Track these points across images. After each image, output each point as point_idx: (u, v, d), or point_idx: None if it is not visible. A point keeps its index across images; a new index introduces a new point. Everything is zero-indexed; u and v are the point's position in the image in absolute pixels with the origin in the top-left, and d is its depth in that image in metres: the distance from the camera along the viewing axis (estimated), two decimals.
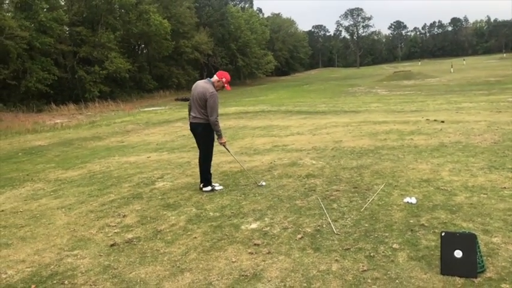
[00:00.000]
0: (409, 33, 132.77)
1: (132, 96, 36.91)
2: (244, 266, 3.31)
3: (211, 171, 5.63)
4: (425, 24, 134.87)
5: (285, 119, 14.30)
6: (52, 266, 3.56)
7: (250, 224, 4.19)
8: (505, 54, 79.80)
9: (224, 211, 4.65)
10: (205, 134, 5.39)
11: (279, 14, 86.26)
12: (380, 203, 4.52)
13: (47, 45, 29.66)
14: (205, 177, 5.52)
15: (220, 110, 5.88)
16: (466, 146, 7.20)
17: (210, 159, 5.56)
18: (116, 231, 4.29)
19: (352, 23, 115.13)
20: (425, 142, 7.79)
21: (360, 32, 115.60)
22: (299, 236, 3.79)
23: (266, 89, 41.88)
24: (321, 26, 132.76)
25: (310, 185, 5.44)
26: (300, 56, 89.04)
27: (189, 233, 4.10)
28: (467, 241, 2.93)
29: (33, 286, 3.23)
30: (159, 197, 5.41)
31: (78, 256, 3.73)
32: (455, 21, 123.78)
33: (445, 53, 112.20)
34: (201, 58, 47.70)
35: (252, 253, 3.52)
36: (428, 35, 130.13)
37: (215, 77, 5.39)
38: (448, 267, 2.93)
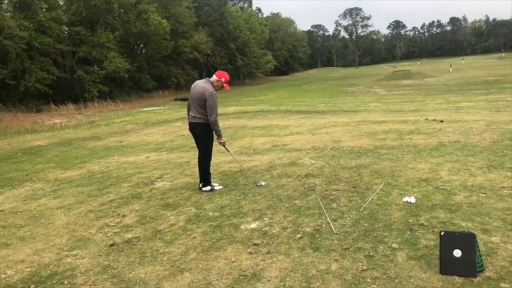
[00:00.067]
0: (408, 33, 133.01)
1: (131, 96, 36.89)
2: (244, 265, 3.31)
3: (211, 171, 5.63)
4: (424, 23, 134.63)
5: (284, 118, 14.30)
6: (51, 266, 3.55)
7: (250, 224, 4.19)
8: (503, 54, 79.84)
9: (223, 211, 4.65)
10: (204, 133, 5.38)
11: (278, 13, 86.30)
12: (379, 202, 4.52)
13: (46, 45, 29.62)
14: (205, 177, 5.52)
15: (220, 110, 5.88)
16: (465, 145, 7.21)
17: (210, 159, 5.56)
18: (115, 231, 4.29)
19: (351, 22, 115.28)
20: (425, 142, 7.80)
21: (358, 32, 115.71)
22: (298, 235, 3.79)
23: (265, 89, 41.88)
24: (320, 25, 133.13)
25: (309, 184, 5.45)
26: (299, 55, 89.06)
27: (188, 232, 4.10)
28: (467, 240, 2.94)
29: (32, 286, 3.23)
30: (159, 197, 5.41)
31: (78, 256, 3.73)
32: (454, 20, 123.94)
33: (444, 53, 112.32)
34: (200, 58, 47.68)
35: (252, 253, 3.52)
36: (427, 34, 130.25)
37: (214, 77, 5.39)
38: (448, 266, 2.94)
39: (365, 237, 3.65)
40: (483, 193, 4.57)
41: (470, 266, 2.88)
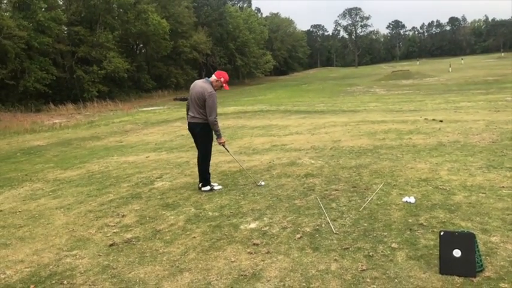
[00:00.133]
0: (407, 33, 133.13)
1: (130, 96, 36.85)
2: (244, 265, 3.31)
3: (210, 171, 5.63)
4: (423, 23, 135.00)
5: (284, 118, 14.30)
6: (51, 266, 3.55)
7: (249, 224, 4.19)
8: (503, 54, 79.92)
9: (223, 211, 4.65)
10: (203, 133, 5.38)
11: (277, 13, 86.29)
12: (379, 202, 4.52)
13: (45, 45, 29.58)
14: (204, 177, 5.51)
15: (219, 110, 5.88)
16: (465, 145, 7.21)
17: (209, 159, 5.56)
18: (114, 231, 4.29)
19: (350, 22, 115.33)
20: (424, 141, 7.80)
21: (358, 32, 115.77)
22: (298, 235, 3.79)
23: (265, 89, 41.88)
24: (320, 25, 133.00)
25: (309, 184, 5.45)
26: (298, 55, 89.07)
27: (188, 232, 4.10)
28: (466, 240, 2.94)
29: (32, 286, 3.23)
30: (158, 197, 5.40)
31: (77, 256, 3.72)
32: (453, 20, 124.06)
33: (443, 53, 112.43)
34: (199, 58, 47.66)
35: (251, 253, 3.52)
36: (426, 34, 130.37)
37: (213, 77, 5.39)
38: (447, 266, 2.94)
39: (364, 237, 3.65)
40: (482, 193, 4.57)
41: (469, 266, 2.88)
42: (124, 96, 35.51)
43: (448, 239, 2.98)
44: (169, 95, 39.08)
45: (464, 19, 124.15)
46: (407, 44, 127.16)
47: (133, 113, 23.23)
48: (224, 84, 5.41)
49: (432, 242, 3.43)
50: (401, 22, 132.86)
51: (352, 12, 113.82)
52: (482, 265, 2.95)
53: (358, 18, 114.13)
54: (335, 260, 3.28)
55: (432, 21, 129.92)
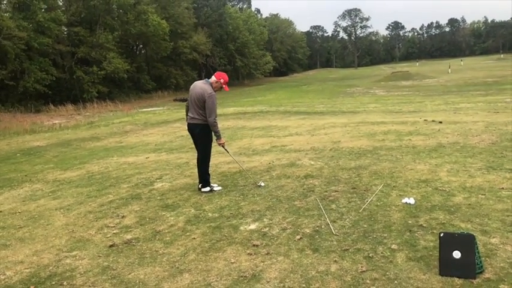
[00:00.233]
0: (406, 34, 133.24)
1: (130, 96, 36.85)
2: (243, 266, 3.31)
3: (210, 172, 5.63)
4: (422, 24, 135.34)
5: (284, 119, 14.31)
6: (51, 267, 3.55)
7: (249, 225, 4.19)
8: (502, 55, 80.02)
9: (223, 212, 4.65)
10: (203, 134, 5.38)
11: (277, 14, 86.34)
12: (378, 203, 4.53)
13: (45, 45, 29.59)
14: (204, 178, 5.51)
15: (219, 111, 5.88)
16: (464, 146, 7.22)
17: (209, 160, 5.56)
18: (114, 232, 4.29)
19: (350, 23, 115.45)
20: (424, 143, 7.81)
21: (357, 33, 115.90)
22: (298, 236, 3.80)
23: (264, 90, 41.89)
24: (319, 26, 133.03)
25: (308, 185, 5.45)
26: (298, 56, 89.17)
27: (187, 233, 4.10)
28: (466, 242, 2.94)
29: (31, 287, 3.22)
30: (158, 198, 5.40)
31: (77, 257, 3.72)
32: (452, 21, 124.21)
33: (443, 54, 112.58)
34: (199, 59, 47.68)
35: (251, 254, 3.52)
36: (426, 35, 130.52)
37: (213, 78, 5.39)
38: (447, 268, 2.94)
39: (364, 239, 3.65)
40: (482, 194, 4.57)
41: (469, 268, 2.88)
42: (124, 97, 35.52)
43: (448, 241, 2.98)
44: (169, 95, 39.10)
45: (463, 20, 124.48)
46: (406, 45, 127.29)
47: (133, 113, 23.23)
48: (224, 86, 5.41)
49: (432, 243, 3.43)
50: (400, 23, 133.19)
51: (351, 14, 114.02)
52: (482, 266, 2.95)
53: (357, 20, 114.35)
54: (335, 261, 3.28)
55: (432, 23, 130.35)
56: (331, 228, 3.93)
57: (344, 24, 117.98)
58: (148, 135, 12.65)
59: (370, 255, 3.33)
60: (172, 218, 4.57)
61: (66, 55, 34.52)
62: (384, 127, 10.25)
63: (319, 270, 3.16)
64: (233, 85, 40.69)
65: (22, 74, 28.81)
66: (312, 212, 4.41)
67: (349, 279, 3.00)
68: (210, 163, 5.61)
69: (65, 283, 3.25)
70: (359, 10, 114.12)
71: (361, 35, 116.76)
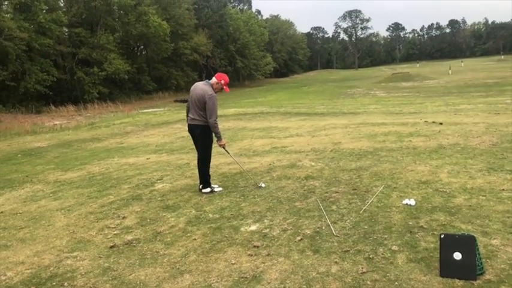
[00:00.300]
0: (407, 35, 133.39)
1: (131, 97, 36.92)
2: (244, 268, 3.31)
3: (210, 173, 5.63)
4: (423, 26, 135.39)
5: (284, 120, 14.32)
6: (51, 268, 3.55)
7: (250, 226, 4.19)
8: (503, 56, 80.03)
9: (223, 213, 4.65)
10: (203, 135, 5.38)
11: (277, 15, 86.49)
12: (379, 204, 4.53)
13: (46, 46, 29.65)
14: (205, 179, 5.52)
15: (219, 112, 5.88)
16: (465, 147, 7.22)
17: (209, 161, 5.56)
18: (115, 232, 4.29)
19: (350, 24, 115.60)
20: (424, 144, 7.81)
21: (358, 34, 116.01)
22: (298, 237, 3.80)
23: (265, 91, 41.92)
24: (320, 27, 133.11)
25: (309, 186, 5.45)
26: (298, 57, 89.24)
27: (188, 234, 4.10)
28: (467, 243, 2.94)
29: None
30: (159, 199, 5.41)
31: (78, 258, 3.72)
32: (453, 23, 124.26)
33: (443, 55, 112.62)
34: (200, 60, 47.76)
35: (252, 255, 3.52)
36: (426, 36, 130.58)
37: (214, 79, 5.39)
38: (448, 269, 2.94)
39: (365, 240, 3.65)
40: (483, 196, 4.57)
41: (470, 269, 2.88)
42: (124, 98, 35.59)
43: (449, 242, 2.98)
44: (169, 96, 39.16)
45: (464, 22, 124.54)
46: (407, 47, 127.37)
47: (133, 114, 23.26)
48: (225, 87, 5.41)
49: (432, 244, 3.43)
50: (401, 24, 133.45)
51: (352, 15, 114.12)
52: (482, 268, 2.95)
53: (358, 21, 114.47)
54: (335, 262, 3.28)
55: (432, 24, 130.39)
56: (332, 229, 3.93)
57: (344, 25, 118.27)
58: (149, 136, 12.66)
59: (371, 256, 3.33)
60: (173, 219, 4.57)
61: (67, 56, 34.59)
62: (384, 128, 10.25)
63: (319, 271, 3.16)
64: (234, 86, 40.70)
65: (23, 74, 28.86)
66: (312, 213, 4.41)
67: (350, 280, 3.00)
68: (211, 164, 5.62)
69: (65, 284, 3.25)
70: (359, 11, 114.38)
71: (361, 36, 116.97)
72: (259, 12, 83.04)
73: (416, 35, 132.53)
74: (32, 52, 29.70)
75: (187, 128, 5.61)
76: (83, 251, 3.86)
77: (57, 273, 3.46)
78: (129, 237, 4.12)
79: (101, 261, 3.61)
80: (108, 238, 4.15)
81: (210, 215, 4.60)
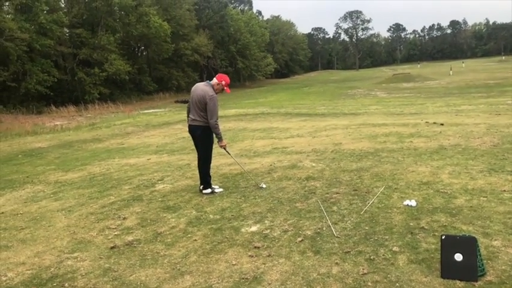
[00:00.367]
0: (408, 36, 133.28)
1: (131, 98, 36.96)
2: (245, 268, 3.31)
3: (211, 174, 5.63)
4: (424, 26, 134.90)
5: (285, 121, 14.32)
6: (52, 269, 3.55)
7: (251, 227, 4.19)
8: (504, 57, 79.96)
9: (224, 214, 4.65)
10: (204, 136, 5.38)
11: (278, 16, 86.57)
12: (380, 205, 4.52)
13: (47, 47, 29.70)
14: (205, 180, 5.51)
15: (220, 112, 5.89)
16: (466, 148, 7.21)
17: (210, 162, 5.56)
18: (116, 233, 4.29)
19: (351, 25, 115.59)
20: (425, 145, 7.80)
21: (359, 35, 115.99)
22: (299, 238, 3.79)
23: (266, 91, 41.92)
24: (320, 28, 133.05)
25: (310, 187, 5.44)
26: (299, 58, 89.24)
27: (189, 235, 4.10)
28: (468, 244, 2.93)
29: None
30: (159, 199, 5.41)
31: (78, 258, 3.72)
32: (454, 23, 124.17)
33: (444, 56, 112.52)
34: (200, 60, 47.80)
35: (252, 256, 3.52)
36: (427, 37, 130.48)
37: (215, 80, 5.39)
38: (449, 270, 2.93)
39: (366, 241, 3.64)
40: (484, 197, 4.56)
41: (471, 270, 2.87)
42: (125, 99, 35.64)
43: (450, 243, 2.98)
44: (170, 97, 39.20)
45: (465, 22, 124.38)
46: (408, 47, 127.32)
47: (134, 115, 23.27)
48: (225, 88, 5.41)
49: (433, 245, 3.42)
50: (402, 25, 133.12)
51: (353, 15, 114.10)
52: (483, 269, 2.94)
53: (359, 21, 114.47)
54: (336, 263, 3.27)
55: (433, 25, 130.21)
56: (333, 230, 3.92)
57: (345, 26, 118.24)
58: (150, 137, 12.67)
59: (372, 257, 3.32)
60: (173, 220, 4.57)
61: (67, 57, 34.65)
62: (385, 129, 10.24)
63: (320, 272, 3.16)
64: (234, 87, 40.71)
65: (24, 75, 28.92)
66: (313, 214, 4.41)
67: (351, 281, 2.99)
68: (211, 165, 5.62)
69: (66, 285, 3.25)
70: (360, 12, 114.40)
71: (362, 36, 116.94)
72: (260, 12, 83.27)
73: (417, 35, 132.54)
74: (33, 53, 29.75)
75: (187, 129, 5.61)
76: (84, 252, 3.86)
77: (58, 273, 3.45)
78: (130, 238, 4.12)
79: (101, 262, 3.61)
80: (109, 239, 4.15)
81: (211, 216, 4.60)
